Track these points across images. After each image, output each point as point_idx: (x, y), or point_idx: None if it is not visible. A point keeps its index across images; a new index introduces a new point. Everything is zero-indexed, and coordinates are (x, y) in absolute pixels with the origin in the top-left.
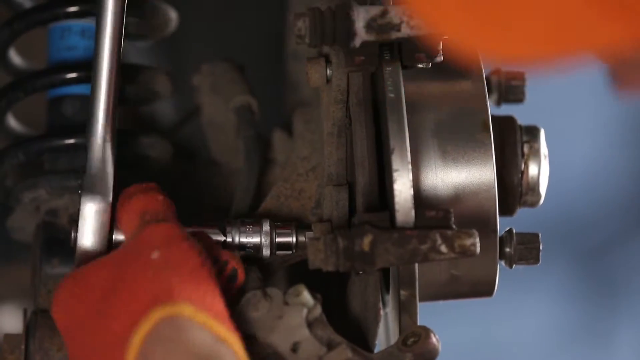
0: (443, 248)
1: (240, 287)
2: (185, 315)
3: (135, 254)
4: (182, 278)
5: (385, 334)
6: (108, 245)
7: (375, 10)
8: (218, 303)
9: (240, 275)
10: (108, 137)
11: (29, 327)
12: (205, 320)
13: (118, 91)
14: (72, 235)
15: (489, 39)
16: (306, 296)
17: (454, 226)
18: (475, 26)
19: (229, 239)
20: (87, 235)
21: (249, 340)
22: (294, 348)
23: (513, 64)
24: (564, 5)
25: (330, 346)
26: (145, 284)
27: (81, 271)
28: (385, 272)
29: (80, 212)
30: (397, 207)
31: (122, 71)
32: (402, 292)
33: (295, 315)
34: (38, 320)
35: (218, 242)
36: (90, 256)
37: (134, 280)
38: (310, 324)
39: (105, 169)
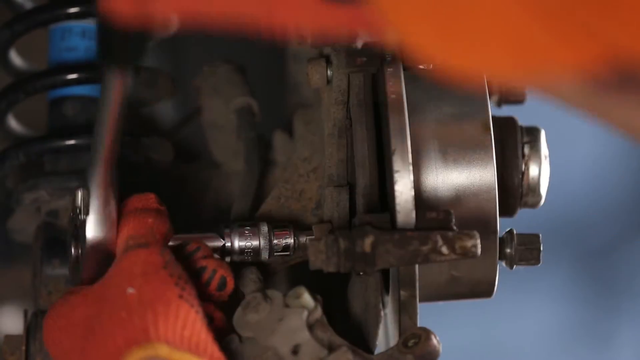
0: (444, 249)
1: (232, 293)
2: (162, 356)
3: (111, 289)
4: (156, 315)
5: (385, 335)
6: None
7: None
8: (197, 334)
9: (230, 283)
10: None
11: (29, 328)
12: (182, 357)
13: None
14: (73, 252)
15: (450, 53)
16: (307, 298)
17: (454, 227)
18: (438, 40)
19: (228, 244)
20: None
21: (250, 342)
22: (295, 350)
23: (475, 81)
24: (522, 29)
25: (331, 348)
26: (120, 324)
27: (67, 301)
28: (384, 273)
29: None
30: (397, 208)
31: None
32: (402, 293)
33: (295, 318)
34: (39, 322)
35: (216, 248)
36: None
37: (109, 320)
38: (310, 326)
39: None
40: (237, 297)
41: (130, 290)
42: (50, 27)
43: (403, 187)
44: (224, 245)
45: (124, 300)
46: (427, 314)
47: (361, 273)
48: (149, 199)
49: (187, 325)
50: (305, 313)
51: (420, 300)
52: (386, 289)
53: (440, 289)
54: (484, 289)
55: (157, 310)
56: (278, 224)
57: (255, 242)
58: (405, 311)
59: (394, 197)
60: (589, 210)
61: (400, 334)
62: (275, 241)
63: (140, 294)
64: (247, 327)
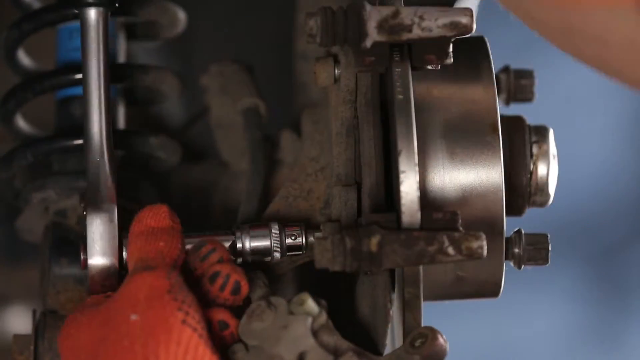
0: (450, 250)
1: (246, 297)
2: None
3: (116, 314)
4: (158, 343)
5: (390, 334)
6: (119, 263)
7: (387, 11)
8: (200, 357)
9: (244, 287)
10: (105, 155)
11: (38, 328)
12: None
13: (110, 104)
14: (82, 257)
15: None
16: (310, 304)
17: (461, 228)
18: None
19: (239, 245)
20: (97, 256)
21: (256, 351)
22: (301, 358)
23: None
24: None
25: (337, 353)
26: (122, 353)
27: (75, 320)
28: (391, 272)
29: (87, 234)
30: (403, 208)
31: (131, 72)
32: (406, 292)
33: (300, 325)
34: (47, 321)
35: (226, 250)
36: (102, 274)
37: (112, 348)
38: (315, 332)
39: (106, 183)
40: (248, 302)
41: (134, 317)
42: (58, 26)
43: (409, 188)
44: (235, 246)
45: (127, 327)
46: (435, 314)
47: (367, 272)
48: (162, 215)
49: (190, 350)
50: (310, 320)
51: (425, 300)
52: (392, 288)
53: (445, 288)
54: (490, 289)
55: (158, 339)
56: (288, 224)
57: (266, 242)
58: (409, 310)
59: (399, 197)
60: (598, 209)
61: (404, 333)
62: (286, 241)
63: (143, 321)
64: (252, 335)
